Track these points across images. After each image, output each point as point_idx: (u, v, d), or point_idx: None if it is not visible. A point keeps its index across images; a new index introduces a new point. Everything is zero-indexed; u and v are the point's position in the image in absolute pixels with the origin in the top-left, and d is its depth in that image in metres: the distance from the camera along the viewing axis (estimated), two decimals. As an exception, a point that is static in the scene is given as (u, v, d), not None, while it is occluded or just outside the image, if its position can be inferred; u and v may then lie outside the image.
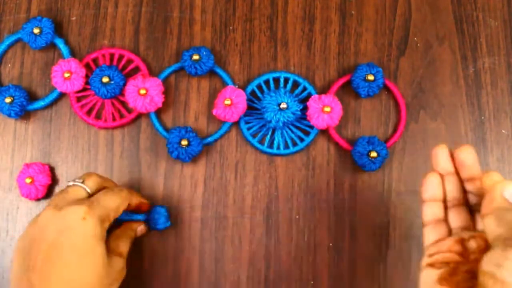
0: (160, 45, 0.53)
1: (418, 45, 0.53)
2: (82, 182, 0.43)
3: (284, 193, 0.50)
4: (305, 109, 0.50)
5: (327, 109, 0.48)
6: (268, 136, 0.51)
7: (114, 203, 0.42)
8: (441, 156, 0.39)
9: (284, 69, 0.53)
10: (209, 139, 0.51)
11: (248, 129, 0.51)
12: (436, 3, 0.54)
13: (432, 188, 0.39)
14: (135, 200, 0.46)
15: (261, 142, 0.51)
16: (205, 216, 0.50)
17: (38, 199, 0.50)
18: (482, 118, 0.52)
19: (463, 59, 0.53)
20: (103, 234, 0.41)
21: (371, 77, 0.50)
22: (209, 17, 0.54)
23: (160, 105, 0.50)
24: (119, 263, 0.42)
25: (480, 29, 0.53)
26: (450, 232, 0.39)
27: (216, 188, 0.50)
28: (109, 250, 0.42)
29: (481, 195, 0.38)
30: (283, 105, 0.49)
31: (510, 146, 0.51)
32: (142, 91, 0.49)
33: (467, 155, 0.38)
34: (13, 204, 0.50)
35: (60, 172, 0.51)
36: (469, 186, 0.39)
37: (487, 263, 0.33)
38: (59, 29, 0.53)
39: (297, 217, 0.50)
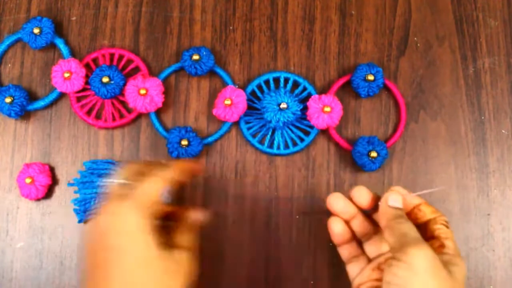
0: (160, 45, 0.53)
1: (418, 45, 0.53)
2: (118, 178, 0.40)
3: (284, 193, 0.50)
4: (305, 109, 0.50)
5: (327, 109, 0.48)
6: (268, 136, 0.51)
7: (148, 189, 0.38)
8: (336, 203, 0.42)
9: (284, 69, 0.53)
10: (209, 139, 0.51)
11: (248, 129, 0.51)
12: (436, 3, 0.54)
13: (339, 234, 0.42)
14: (181, 172, 0.42)
15: (261, 142, 0.51)
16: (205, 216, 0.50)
17: (38, 199, 0.50)
18: (482, 118, 0.52)
19: (463, 59, 0.53)
20: (146, 224, 0.37)
21: (371, 77, 0.50)
22: (209, 17, 0.54)
23: (160, 105, 0.50)
24: (177, 255, 0.39)
25: (480, 29, 0.53)
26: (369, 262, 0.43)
27: (216, 188, 0.50)
28: (170, 243, 0.39)
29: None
30: (283, 105, 0.49)
31: (510, 146, 0.51)
32: (142, 91, 0.49)
33: (359, 196, 0.42)
34: (13, 204, 0.50)
35: (60, 172, 0.51)
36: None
37: (384, 283, 0.36)
38: (59, 29, 0.53)
39: (297, 217, 0.50)
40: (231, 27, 0.53)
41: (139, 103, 0.49)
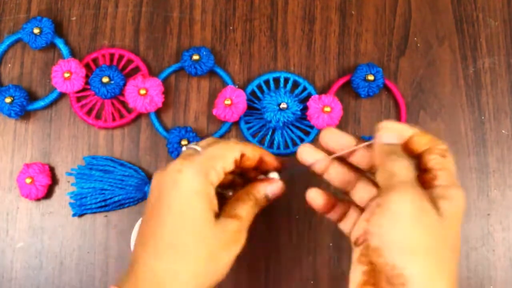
0: (160, 45, 0.53)
1: (418, 45, 0.53)
2: (196, 144, 0.39)
3: (284, 193, 0.50)
4: (305, 109, 0.50)
5: (327, 109, 0.48)
6: (268, 136, 0.51)
7: (217, 151, 0.37)
8: (307, 154, 0.39)
9: (284, 69, 0.53)
10: (209, 139, 0.51)
11: (248, 129, 0.51)
12: (436, 3, 0.54)
13: (322, 205, 0.39)
14: (252, 152, 0.39)
15: (261, 142, 0.51)
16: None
17: (38, 199, 0.50)
18: (482, 118, 0.52)
19: (463, 59, 0.53)
20: (207, 188, 0.36)
21: (371, 77, 0.50)
22: (209, 17, 0.54)
23: (160, 105, 0.50)
24: (232, 225, 0.37)
25: (480, 29, 0.53)
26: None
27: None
28: (224, 213, 0.37)
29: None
30: (283, 105, 0.49)
31: (510, 146, 0.51)
32: (142, 91, 0.49)
33: (331, 139, 0.38)
34: (13, 204, 0.50)
35: (60, 172, 0.51)
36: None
37: (368, 234, 0.33)
38: (59, 29, 0.53)
39: (297, 217, 0.50)
40: (231, 27, 0.53)
41: (139, 103, 0.49)
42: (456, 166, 0.50)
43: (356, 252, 0.34)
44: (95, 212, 0.50)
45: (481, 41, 0.53)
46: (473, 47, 0.53)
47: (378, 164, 0.35)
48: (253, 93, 0.52)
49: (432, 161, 0.35)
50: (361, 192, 0.39)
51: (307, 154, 0.39)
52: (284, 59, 0.53)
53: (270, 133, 0.51)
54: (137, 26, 0.54)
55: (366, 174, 0.39)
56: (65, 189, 0.51)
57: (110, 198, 0.49)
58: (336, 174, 0.39)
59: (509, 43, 0.53)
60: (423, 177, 0.34)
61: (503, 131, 0.51)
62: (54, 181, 0.50)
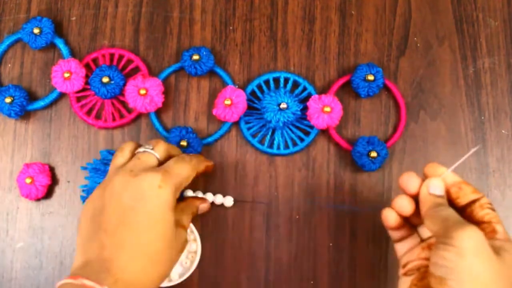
0: (160, 45, 0.53)
1: (418, 45, 0.53)
2: (152, 149, 0.43)
3: (284, 193, 0.50)
4: (305, 109, 0.50)
5: (327, 109, 0.48)
6: (268, 136, 0.51)
7: (186, 172, 0.43)
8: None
9: (284, 69, 0.53)
10: (209, 139, 0.51)
11: (248, 129, 0.51)
12: (436, 3, 0.54)
13: (393, 225, 0.41)
14: (202, 166, 0.46)
15: (261, 142, 0.51)
16: (205, 216, 0.50)
17: (38, 199, 0.50)
18: (482, 118, 0.52)
19: (463, 59, 0.53)
20: (175, 203, 0.41)
21: (371, 77, 0.50)
22: (209, 17, 0.54)
23: (160, 105, 0.50)
24: (183, 234, 0.43)
25: (480, 29, 0.53)
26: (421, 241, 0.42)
27: (216, 188, 0.50)
28: (176, 223, 0.43)
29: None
30: (283, 105, 0.49)
31: (510, 146, 0.51)
32: (142, 91, 0.49)
33: (408, 182, 0.40)
34: (13, 204, 0.50)
35: (60, 172, 0.51)
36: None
37: (431, 264, 0.36)
38: (59, 29, 0.53)
39: (297, 217, 0.50)
40: (231, 27, 0.53)
41: (139, 103, 0.49)
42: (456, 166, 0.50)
43: (405, 281, 0.40)
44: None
45: (481, 41, 0.53)
46: (473, 47, 0.53)
47: (425, 214, 0.38)
48: (253, 93, 0.52)
49: (488, 215, 0.38)
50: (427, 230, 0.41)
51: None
52: (284, 59, 0.53)
53: (270, 133, 0.51)
54: (137, 26, 0.54)
55: None
56: (65, 189, 0.51)
57: None
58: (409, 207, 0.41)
59: (509, 43, 0.53)
60: (481, 227, 0.37)
61: (503, 131, 0.51)
62: (54, 181, 0.51)
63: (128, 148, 0.44)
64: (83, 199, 0.49)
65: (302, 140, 0.50)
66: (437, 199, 0.38)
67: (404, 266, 0.40)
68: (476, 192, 0.39)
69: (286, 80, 0.52)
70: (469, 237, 0.34)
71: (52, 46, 0.53)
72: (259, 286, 0.49)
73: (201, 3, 0.54)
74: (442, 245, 0.35)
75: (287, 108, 0.49)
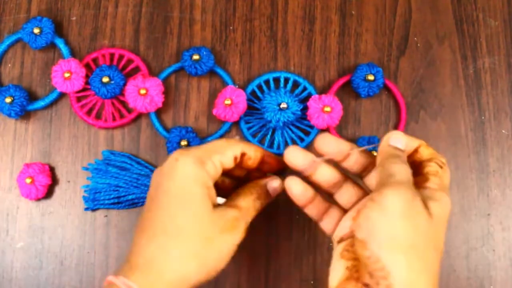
0: (160, 45, 0.53)
1: (418, 45, 0.53)
2: None
3: (284, 193, 0.50)
4: (305, 109, 0.50)
5: (327, 109, 0.49)
6: (268, 136, 0.51)
7: (217, 146, 0.38)
8: (294, 157, 0.39)
9: (284, 69, 0.53)
10: (209, 139, 0.51)
11: (248, 129, 0.51)
12: (436, 3, 0.54)
13: (300, 195, 0.39)
14: (255, 152, 0.40)
15: (261, 142, 0.51)
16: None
17: (38, 199, 0.50)
18: (482, 118, 0.52)
19: (463, 59, 0.53)
20: (203, 176, 0.37)
21: (371, 77, 0.50)
22: (209, 17, 0.54)
23: (160, 105, 0.50)
24: (231, 213, 0.37)
25: (480, 29, 0.53)
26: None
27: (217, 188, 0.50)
28: (226, 203, 0.38)
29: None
30: (283, 105, 0.49)
31: (510, 146, 0.51)
32: (142, 91, 0.49)
33: (324, 145, 0.38)
34: (13, 204, 0.50)
35: (60, 172, 0.51)
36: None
37: (356, 226, 0.34)
38: (59, 29, 0.53)
39: (297, 217, 0.50)
40: (231, 27, 0.53)
41: (139, 103, 0.49)
42: (456, 166, 0.50)
43: (338, 248, 0.36)
44: (107, 208, 0.49)
45: (481, 41, 0.53)
46: (473, 47, 0.53)
47: (379, 164, 0.36)
48: (253, 93, 0.52)
49: (429, 167, 0.36)
50: (346, 194, 0.39)
51: (295, 156, 0.39)
52: (284, 59, 0.53)
53: (270, 133, 0.51)
54: (137, 26, 0.54)
55: (353, 178, 0.40)
56: (65, 189, 0.51)
57: (124, 196, 0.49)
58: (323, 176, 0.39)
59: (509, 43, 0.53)
60: (416, 179, 0.35)
61: (503, 131, 0.51)
62: (54, 181, 0.50)
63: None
64: (85, 199, 0.49)
65: (302, 140, 0.50)
66: (395, 150, 0.36)
67: (339, 241, 0.37)
68: (434, 154, 0.37)
69: (286, 80, 0.52)
70: (397, 195, 0.32)
71: (52, 46, 0.53)
72: (259, 286, 0.49)
73: (201, 3, 0.54)
74: (369, 202, 0.33)
75: (287, 108, 0.49)
